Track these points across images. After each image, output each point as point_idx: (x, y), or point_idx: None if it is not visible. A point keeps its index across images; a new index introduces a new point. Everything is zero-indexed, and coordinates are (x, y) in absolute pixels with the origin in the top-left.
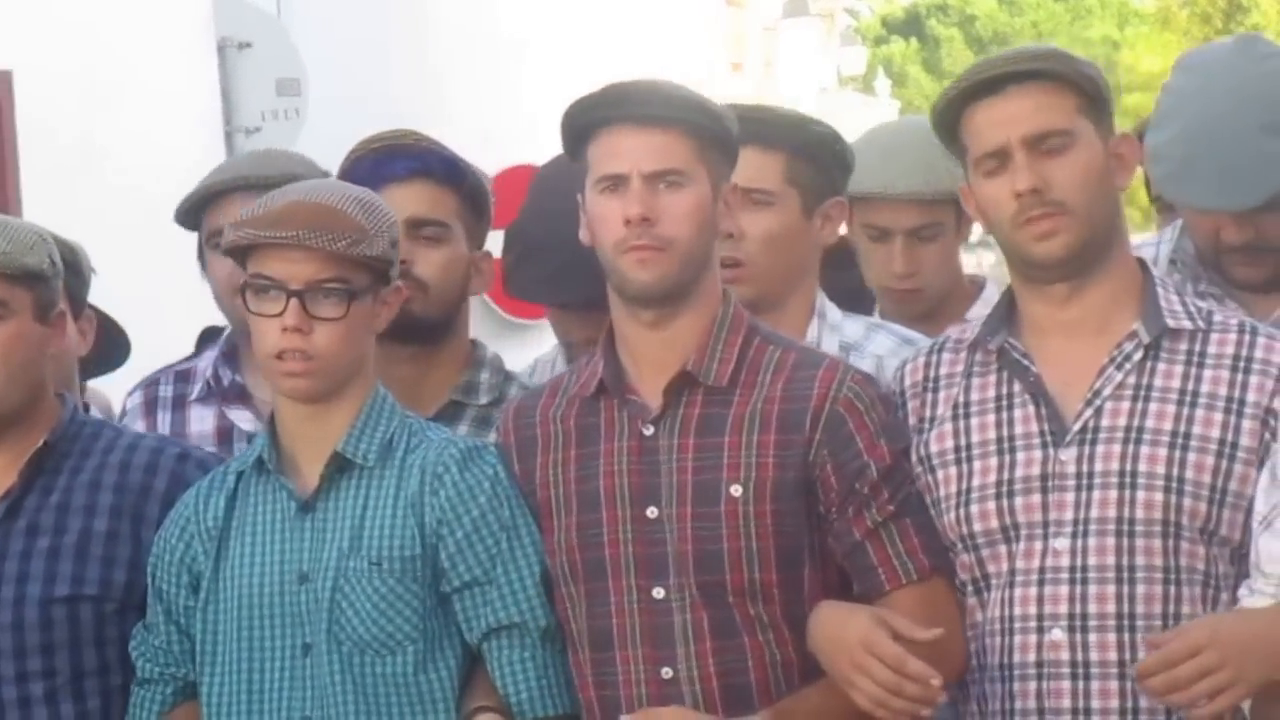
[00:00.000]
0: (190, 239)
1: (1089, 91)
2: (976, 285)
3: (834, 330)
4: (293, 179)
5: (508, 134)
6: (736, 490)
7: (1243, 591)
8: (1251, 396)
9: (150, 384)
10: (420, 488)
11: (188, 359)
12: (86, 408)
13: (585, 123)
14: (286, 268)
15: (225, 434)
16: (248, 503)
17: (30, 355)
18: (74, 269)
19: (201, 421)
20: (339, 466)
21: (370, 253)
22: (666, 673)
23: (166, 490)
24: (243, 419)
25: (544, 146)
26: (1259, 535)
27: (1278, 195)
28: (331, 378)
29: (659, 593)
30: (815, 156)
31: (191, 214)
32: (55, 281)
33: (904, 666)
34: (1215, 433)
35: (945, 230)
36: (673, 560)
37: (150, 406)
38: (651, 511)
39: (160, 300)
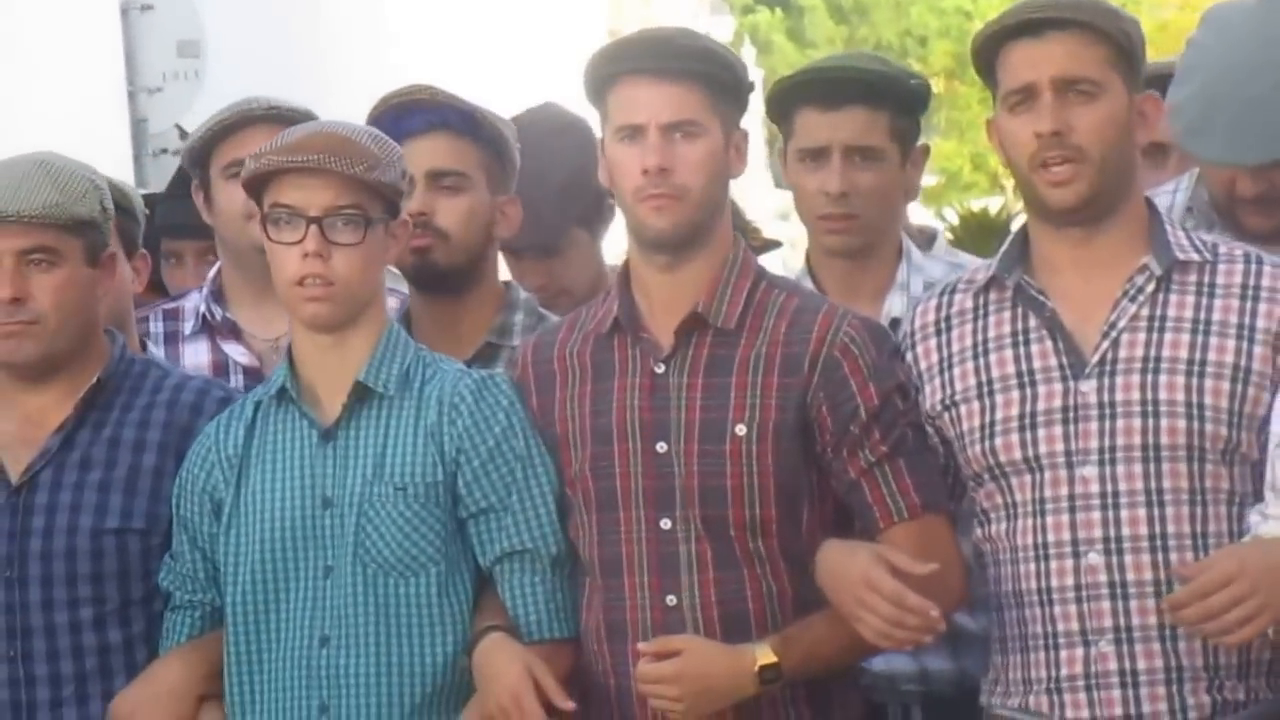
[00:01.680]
0: None
1: (1124, 47)
2: (926, 237)
3: (918, 270)
4: (302, 113)
5: None
6: (741, 430)
7: (1254, 518)
8: (1261, 323)
9: (140, 320)
10: (439, 417)
11: (173, 298)
12: (144, 345)
13: (605, 73)
14: (304, 195)
15: (220, 367)
16: (267, 432)
17: (82, 298)
18: (127, 211)
19: (196, 355)
20: (360, 396)
21: (384, 179)
22: (670, 600)
23: None
24: (237, 353)
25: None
26: (1275, 457)
27: None
28: (349, 305)
29: (666, 524)
30: (912, 110)
31: (201, 150)
32: (106, 226)
33: (903, 600)
34: (1229, 358)
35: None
36: (679, 494)
37: (141, 342)
38: (661, 447)
39: None
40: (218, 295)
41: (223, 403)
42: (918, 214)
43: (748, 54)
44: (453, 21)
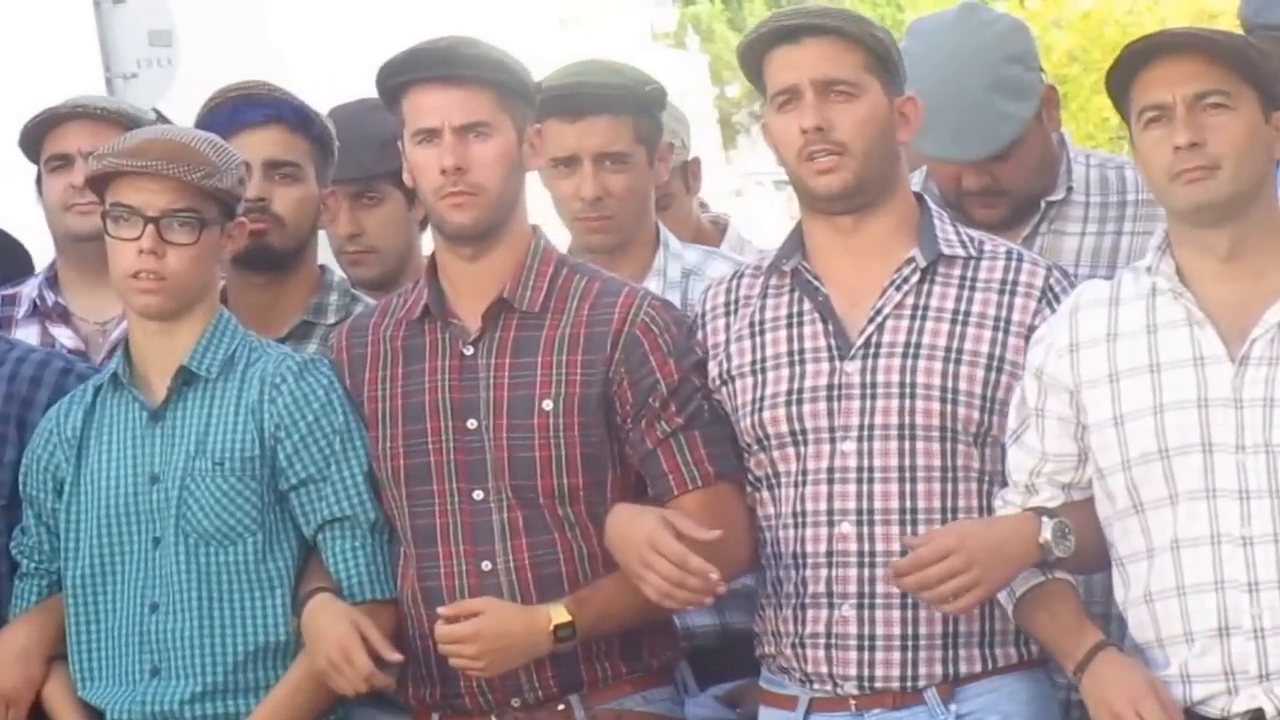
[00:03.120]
0: None
1: (878, 52)
2: (720, 227)
3: (676, 257)
4: (124, 113)
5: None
6: (548, 405)
7: (997, 502)
8: (1016, 316)
9: None
10: (260, 396)
11: (11, 285)
12: None
13: (396, 83)
14: (143, 197)
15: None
16: (104, 414)
17: None
18: None
19: (26, 339)
20: (185, 379)
21: (221, 185)
22: (486, 565)
23: (49, 400)
24: (63, 336)
25: None
26: (1010, 448)
27: (1007, 146)
28: (180, 297)
29: (478, 495)
30: (651, 111)
31: (33, 139)
32: None
33: (686, 563)
34: (985, 348)
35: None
36: (490, 466)
37: None
38: (471, 423)
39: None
40: (52, 281)
41: (63, 373)
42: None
43: (691, 42)
44: (409, 12)
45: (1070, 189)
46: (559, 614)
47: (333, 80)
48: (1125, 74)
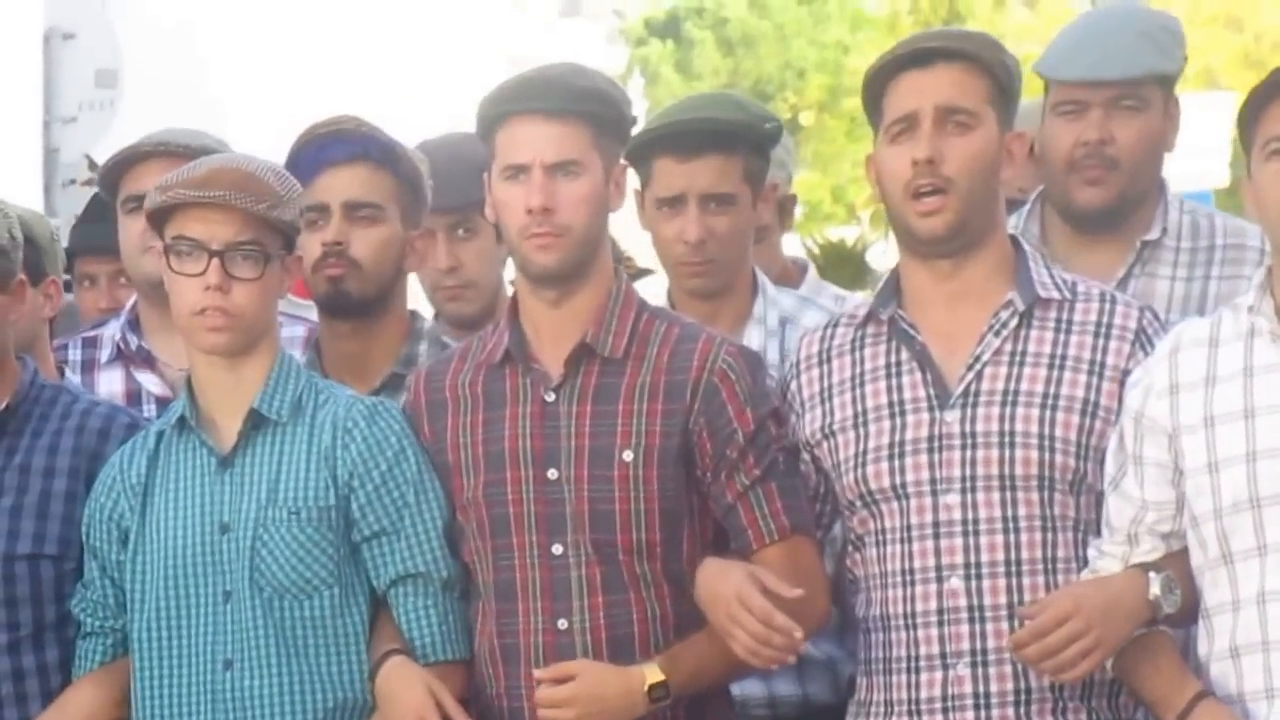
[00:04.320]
0: None
1: (1003, 82)
2: (799, 267)
3: (773, 304)
4: (208, 150)
5: None
6: (628, 456)
7: (1092, 553)
8: (1110, 360)
9: (59, 348)
10: (332, 442)
11: (92, 326)
12: (61, 371)
13: (495, 113)
14: (207, 229)
15: (133, 396)
16: (169, 459)
17: None
18: (30, 240)
19: (110, 384)
20: (255, 423)
21: (285, 217)
22: (562, 624)
23: None
24: (150, 382)
25: None
26: (1109, 494)
27: (1142, 75)
28: (246, 335)
29: (558, 549)
30: (764, 151)
31: (112, 178)
32: (15, 254)
33: (771, 619)
34: (1080, 393)
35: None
36: (570, 519)
37: (60, 368)
38: (552, 473)
39: None
40: (134, 324)
41: (130, 428)
42: (789, 245)
43: (636, 85)
44: (356, 53)
45: (1165, 230)
46: (653, 673)
47: (280, 126)
48: (1256, 105)
